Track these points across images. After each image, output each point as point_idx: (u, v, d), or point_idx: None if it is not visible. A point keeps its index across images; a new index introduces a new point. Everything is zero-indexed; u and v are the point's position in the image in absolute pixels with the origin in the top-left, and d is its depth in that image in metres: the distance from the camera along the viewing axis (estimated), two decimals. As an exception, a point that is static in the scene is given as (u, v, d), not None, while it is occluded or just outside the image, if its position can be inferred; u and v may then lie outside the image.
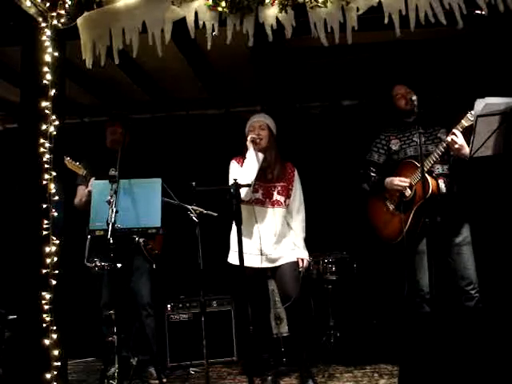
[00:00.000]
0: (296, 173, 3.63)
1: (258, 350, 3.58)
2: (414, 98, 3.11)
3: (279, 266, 3.50)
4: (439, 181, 3.40)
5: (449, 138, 3.23)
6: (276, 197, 3.52)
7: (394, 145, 3.60)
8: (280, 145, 3.61)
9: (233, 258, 3.54)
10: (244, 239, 3.37)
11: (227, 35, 2.95)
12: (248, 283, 3.45)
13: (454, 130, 3.21)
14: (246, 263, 3.32)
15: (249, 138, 3.46)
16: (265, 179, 3.52)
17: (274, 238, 3.48)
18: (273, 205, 3.51)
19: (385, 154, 3.64)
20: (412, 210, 3.41)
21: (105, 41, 3.02)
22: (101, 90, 4.65)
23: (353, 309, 4.41)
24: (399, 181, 3.45)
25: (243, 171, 3.40)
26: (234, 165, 3.56)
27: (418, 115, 3.13)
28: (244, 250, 3.33)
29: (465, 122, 3.16)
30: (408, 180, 3.43)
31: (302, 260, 3.53)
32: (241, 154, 3.55)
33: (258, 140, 3.45)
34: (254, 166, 3.40)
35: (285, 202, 3.54)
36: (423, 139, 3.45)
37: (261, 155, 3.47)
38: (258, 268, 3.46)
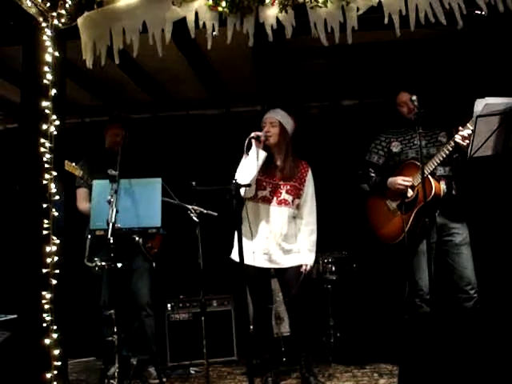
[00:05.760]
0: (310, 173, 3.54)
1: (258, 350, 3.54)
2: (414, 97, 3.12)
3: (284, 269, 3.44)
4: (441, 182, 3.41)
5: (458, 137, 3.20)
6: (284, 196, 3.43)
7: (395, 147, 3.60)
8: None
9: (236, 255, 3.43)
10: (248, 238, 3.38)
11: (227, 35, 2.95)
12: (251, 282, 3.44)
13: (460, 128, 3.19)
14: (250, 262, 3.32)
15: (252, 135, 3.31)
16: (274, 177, 3.44)
17: (279, 238, 3.40)
18: (279, 203, 3.42)
19: (384, 155, 3.64)
20: (413, 211, 3.41)
21: (105, 41, 3.02)
22: (101, 89, 4.65)
23: (353, 309, 4.41)
24: (402, 180, 3.45)
25: (242, 169, 3.29)
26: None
27: (417, 115, 3.13)
28: (249, 249, 3.33)
29: (470, 126, 3.10)
30: (411, 179, 3.43)
31: (306, 265, 3.42)
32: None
33: (262, 138, 3.33)
34: (254, 165, 3.28)
35: (293, 201, 3.44)
36: (424, 142, 3.47)
37: (263, 153, 3.35)
38: (262, 268, 3.42)
